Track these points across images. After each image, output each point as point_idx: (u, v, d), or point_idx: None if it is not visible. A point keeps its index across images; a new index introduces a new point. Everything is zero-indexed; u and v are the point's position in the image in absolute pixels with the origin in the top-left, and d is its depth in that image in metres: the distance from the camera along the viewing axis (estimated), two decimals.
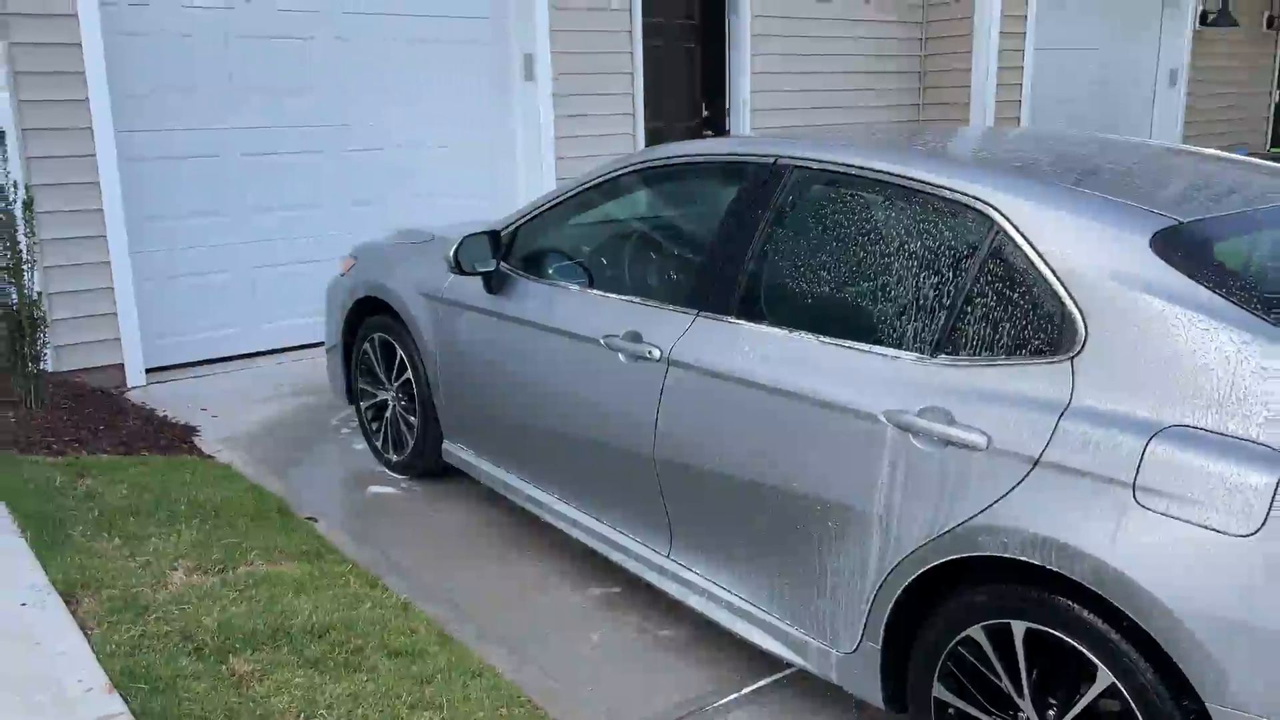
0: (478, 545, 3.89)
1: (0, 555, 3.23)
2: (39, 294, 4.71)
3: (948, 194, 2.53)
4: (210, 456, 4.64)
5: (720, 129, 8.42)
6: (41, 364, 4.72)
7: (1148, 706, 2.02)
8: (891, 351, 2.53)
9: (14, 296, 4.57)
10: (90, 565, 3.27)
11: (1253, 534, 1.88)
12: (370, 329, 4.50)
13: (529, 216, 3.76)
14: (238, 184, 6.04)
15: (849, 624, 2.58)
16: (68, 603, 3.01)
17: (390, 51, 6.49)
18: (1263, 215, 2.48)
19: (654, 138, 7.81)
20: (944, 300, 2.48)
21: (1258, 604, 1.86)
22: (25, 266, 4.59)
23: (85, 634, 2.85)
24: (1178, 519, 1.97)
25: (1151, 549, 1.99)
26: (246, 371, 5.96)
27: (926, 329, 2.48)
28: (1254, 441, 1.94)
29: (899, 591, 2.43)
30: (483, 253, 3.68)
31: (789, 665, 2.93)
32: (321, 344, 5.05)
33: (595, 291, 3.39)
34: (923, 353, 2.47)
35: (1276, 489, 1.87)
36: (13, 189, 4.55)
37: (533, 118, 7.14)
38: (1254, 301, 2.10)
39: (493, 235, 3.72)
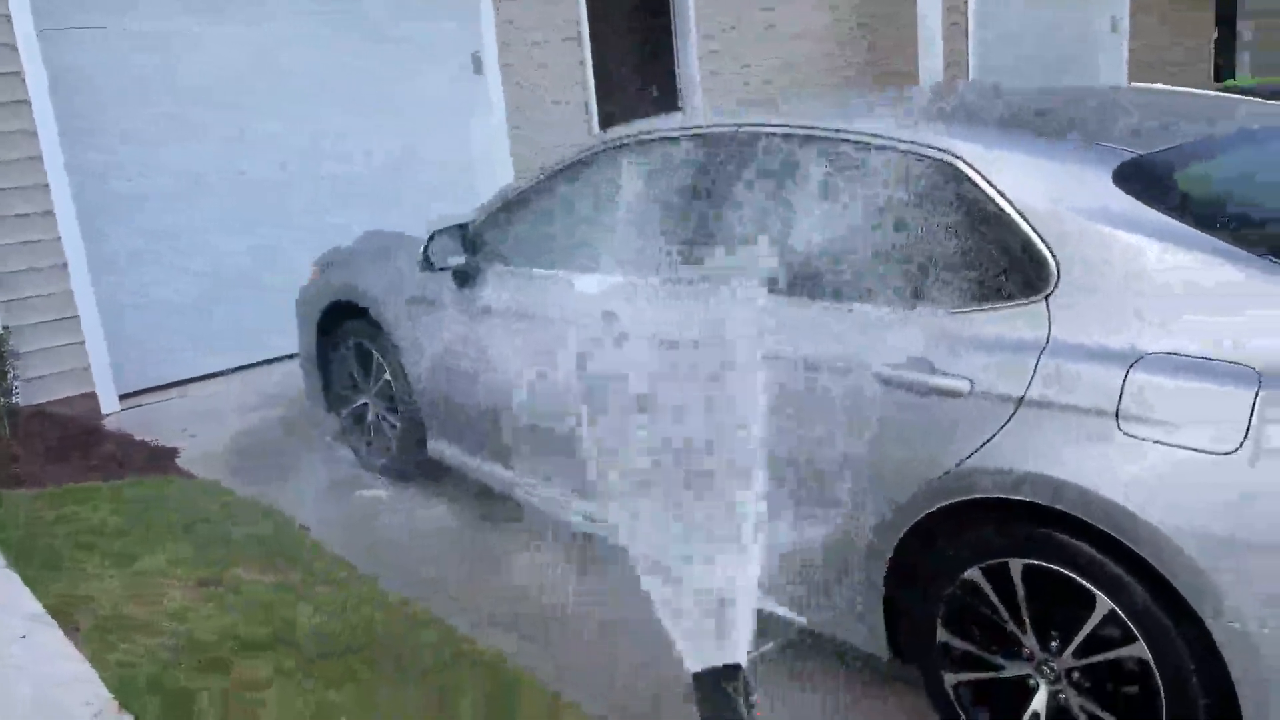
0: (473, 541, 3.89)
1: None
2: (5, 328, 4.64)
3: (914, 149, 2.56)
4: (193, 475, 4.60)
5: (672, 109, 8.43)
6: (13, 398, 4.65)
7: (1147, 630, 2.07)
8: (870, 308, 2.56)
9: None
10: (82, 590, 3.24)
11: (1234, 450, 1.93)
12: (343, 334, 4.48)
13: (496, 207, 3.75)
14: (197, 202, 5.96)
15: (850, 579, 2.61)
16: (65, 628, 2.99)
17: (341, 56, 6.42)
18: (1219, 142, 2.54)
19: (608, 122, 7.80)
20: (917, 254, 2.51)
21: (1244, 519, 1.92)
22: None
23: (86, 657, 2.84)
24: (1162, 443, 2.02)
25: (1138, 475, 2.04)
26: (222, 389, 5.90)
27: (902, 283, 2.51)
28: (1228, 361, 1.99)
29: (896, 541, 2.47)
30: (453, 246, 3.68)
31: (795, 626, 2.96)
32: (295, 355, 5.01)
33: (566, 274, 3.40)
34: (901, 306, 2.50)
35: (1254, 405, 1.92)
36: None
37: (485, 113, 7.11)
38: (1218, 225, 2.15)
39: (461, 229, 3.72)
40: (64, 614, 3.06)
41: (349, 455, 4.68)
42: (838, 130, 2.76)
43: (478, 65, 7.07)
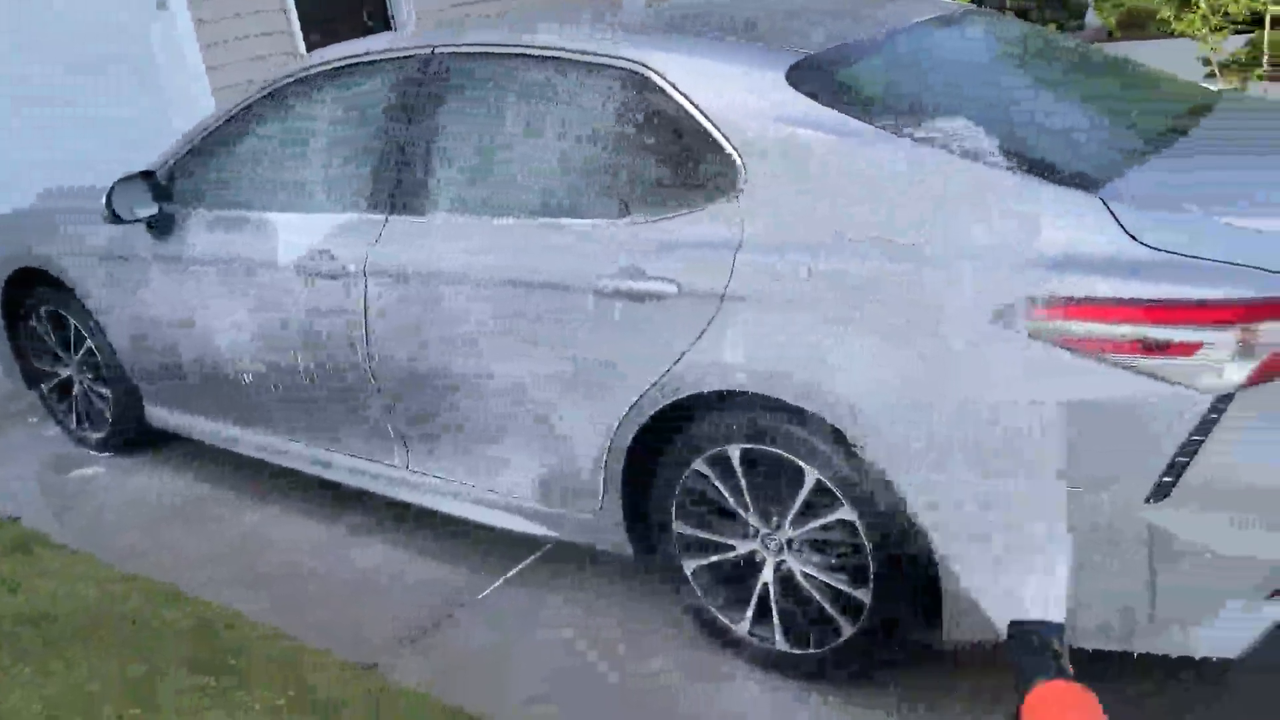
0: (206, 506, 3.68)
1: None
2: None
3: (604, 60, 2.59)
4: None
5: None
6: None
7: (850, 493, 2.26)
8: (580, 222, 2.59)
9: None
10: None
11: (901, 326, 2.12)
12: (33, 303, 4.07)
13: (187, 149, 3.49)
14: None
15: (590, 488, 2.68)
16: None
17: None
18: (888, 38, 2.72)
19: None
20: (618, 165, 2.56)
21: (913, 383, 2.12)
22: None
23: None
24: (842, 324, 2.19)
25: (828, 356, 2.20)
26: None
27: (608, 195, 2.56)
28: (893, 242, 2.16)
29: (627, 445, 2.55)
30: (140, 196, 3.40)
31: (546, 541, 3.03)
32: None
33: (274, 214, 3.23)
34: (609, 217, 2.55)
35: (914, 282, 2.11)
36: None
37: (177, 52, 6.56)
38: (882, 115, 2.32)
39: (148, 175, 3.44)
40: None
41: (59, 433, 4.31)
42: (533, 47, 2.74)
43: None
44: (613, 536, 2.73)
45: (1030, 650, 1.39)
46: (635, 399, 2.50)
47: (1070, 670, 1.40)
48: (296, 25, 7.27)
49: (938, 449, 2.12)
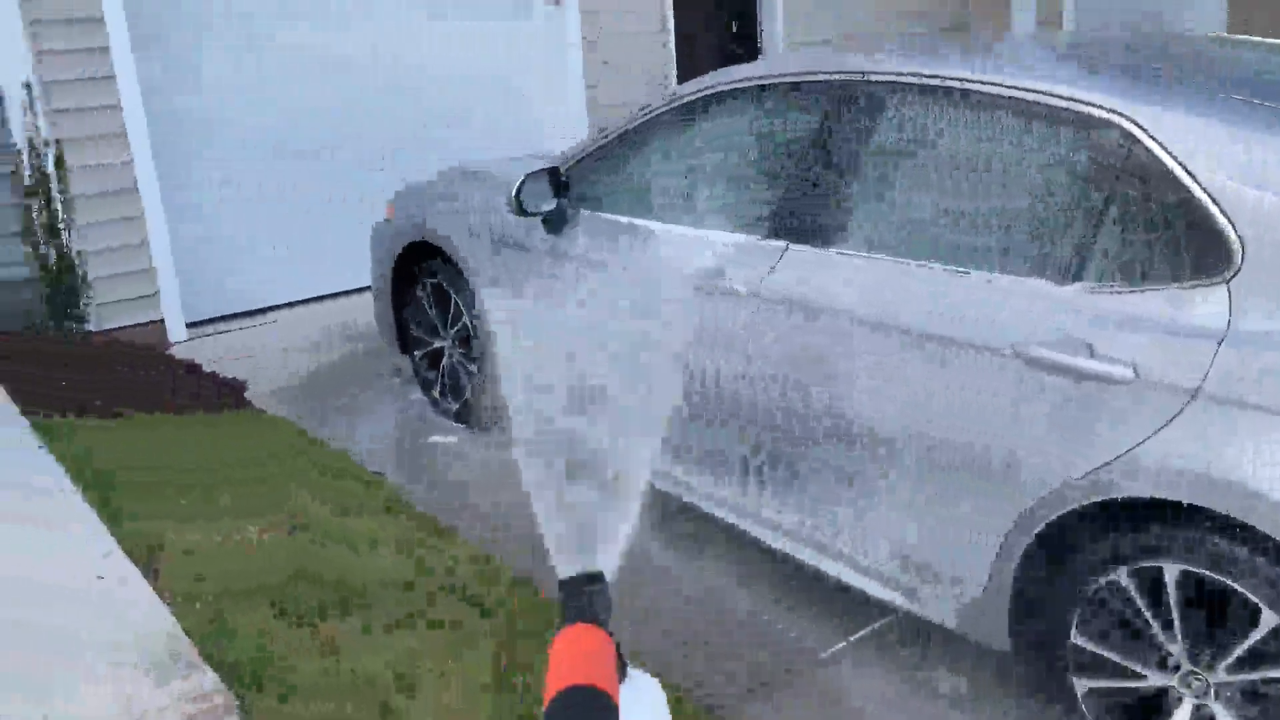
0: None
1: (70, 523, 3.13)
2: (77, 253, 4.55)
3: (1076, 106, 2.31)
4: (263, 411, 4.52)
5: (752, 47, 8.09)
6: (85, 324, 4.58)
7: None
8: (1021, 280, 2.33)
9: (52, 257, 4.42)
10: (158, 528, 3.16)
11: None
12: (421, 275, 4.33)
13: (587, 152, 3.55)
14: (268, 126, 5.81)
15: (974, 569, 2.42)
16: (140, 566, 2.90)
17: None
18: None
19: (685, 56, 7.48)
20: (1079, 223, 2.28)
21: None
22: (61, 225, 4.43)
23: (162, 599, 2.75)
24: None
25: None
26: (292, 321, 5.80)
27: (1060, 254, 2.29)
28: None
29: (1032, 536, 2.28)
30: (544, 191, 3.49)
31: (891, 612, 2.80)
32: (366, 289, 4.89)
33: (669, 227, 3.20)
34: (1057, 280, 2.27)
35: None
36: (44, 146, 4.37)
37: (557, 44, 6.86)
38: None
39: (553, 172, 3.52)
40: (139, 552, 2.97)
41: (422, 398, 4.56)
42: (986, 83, 2.50)
43: None
44: (989, 628, 2.46)
45: (572, 598, 1.50)
46: (1050, 488, 2.21)
47: (603, 617, 1.47)
48: (671, 29, 7.40)
49: None
